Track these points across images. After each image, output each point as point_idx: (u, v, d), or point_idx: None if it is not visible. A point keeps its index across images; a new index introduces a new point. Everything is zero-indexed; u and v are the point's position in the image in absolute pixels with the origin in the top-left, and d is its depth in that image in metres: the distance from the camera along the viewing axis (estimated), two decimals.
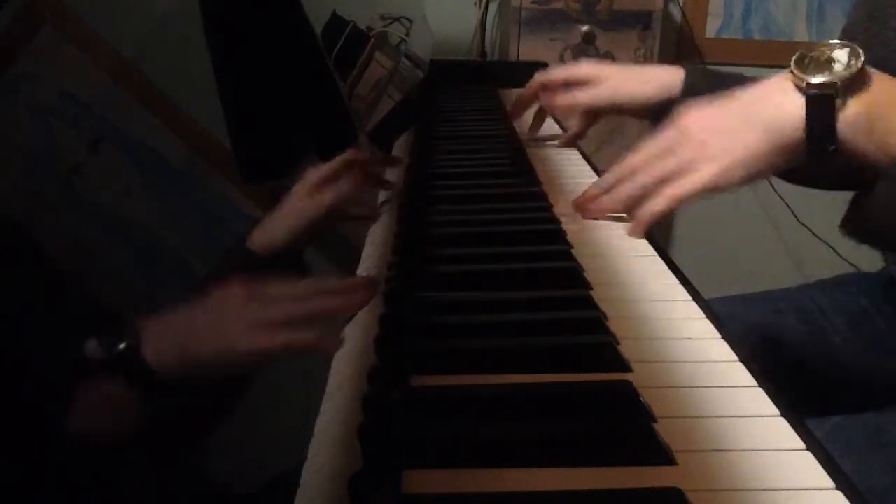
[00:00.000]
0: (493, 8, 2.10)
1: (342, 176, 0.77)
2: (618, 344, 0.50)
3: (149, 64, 0.98)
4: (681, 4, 2.16)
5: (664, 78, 0.85)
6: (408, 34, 1.11)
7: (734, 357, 0.49)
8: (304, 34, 0.85)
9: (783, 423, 0.42)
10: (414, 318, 0.53)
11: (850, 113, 0.54)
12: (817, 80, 0.55)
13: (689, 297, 0.58)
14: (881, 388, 0.81)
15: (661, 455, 0.39)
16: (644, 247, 0.68)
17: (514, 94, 1.03)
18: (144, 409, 0.53)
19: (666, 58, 2.07)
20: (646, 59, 1.87)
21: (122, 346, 0.53)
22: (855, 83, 0.54)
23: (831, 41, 0.58)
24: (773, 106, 0.58)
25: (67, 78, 0.94)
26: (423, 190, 0.82)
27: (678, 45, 2.20)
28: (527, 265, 0.63)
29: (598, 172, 0.89)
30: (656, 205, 0.65)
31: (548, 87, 0.95)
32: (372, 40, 1.03)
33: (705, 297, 0.58)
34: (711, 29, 2.19)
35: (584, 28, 1.85)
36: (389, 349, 0.50)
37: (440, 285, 0.59)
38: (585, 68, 0.91)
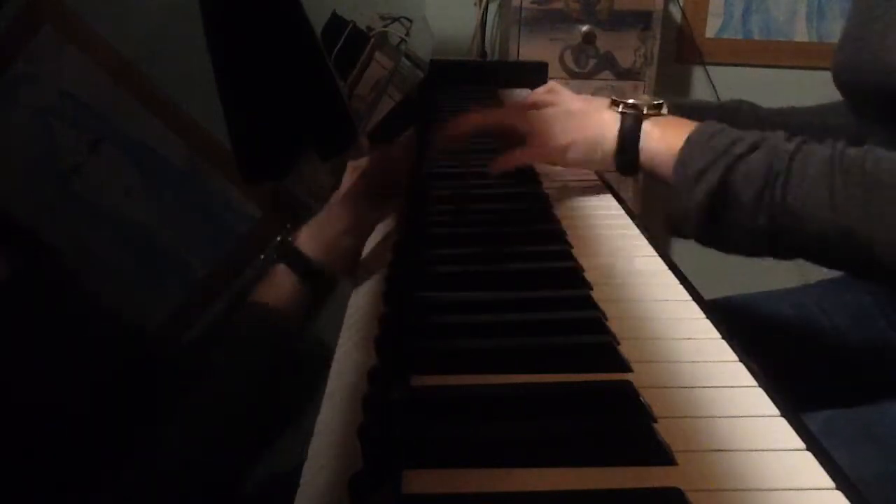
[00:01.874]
0: (493, 8, 2.10)
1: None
2: (618, 344, 0.50)
3: (149, 64, 0.98)
4: (681, 4, 2.16)
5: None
6: (408, 34, 1.11)
7: (734, 357, 0.49)
8: (304, 34, 0.85)
9: (783, 423, 0.42)
10: (414, 318, 0.53)
11: (647, 126, 0.71)
12: (631, 101, 0.74)
13: (689, 297, 0.58)
14: (877, 385, 0.81)
15: (661, 455, 0.39)
16: (644, 247, 0.68)
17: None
18: (307, 297, 0.66)
19: (666, 58, 2.08)
20: (646, 60, 1.87)
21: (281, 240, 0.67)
22: (654, 111, 0.73)
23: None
24: (602, 114, 0.76)
25: (67, 78, 0.94)
26: (423, 190, 0.82)
27: (678, 45, 2.20)
28: (527, 265, 0.63)
29: (599, 173, 0.89)
30: (513, 158, 0.79)
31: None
32: (372, 40, 1.03)
33: (705, 297, 0.58)
34: (711, 29, 2.19)
35: (584, 28, 1.85)
36: (389, 349, 0.50)
37: (440, 285, 0.59)
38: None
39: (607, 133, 0.74)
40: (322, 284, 0.68)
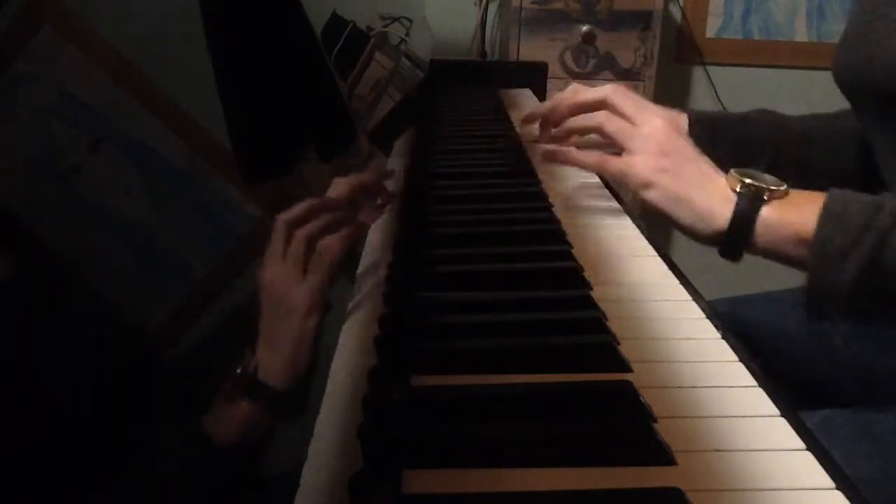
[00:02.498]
0: (493, 8, 2.10)
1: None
2: (618, 344, 0.50)
3: (149, 64, 0.98)
4: (681, 4, 2.16)
5: None
6: (408, 34, 1.11)
7: (734, 357, 0.49)
8: (304, 34, 0.85)
9: (783, 423, 0.42)
10: (414, 318, 0.53)
11: (768, 212, 0.63)
12: (749, 181, 0.64)
13: (689, 297, 0.58)
14: (878, 386, 0.81)
15: (661, 455, 0.39)
16: (644, 247, 0.68)
17: (532, 110, 0.92)
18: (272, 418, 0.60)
19: (666, 58, 2.07)
20: (646, 60, 1.87)
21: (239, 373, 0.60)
22: (777, 192, 0.64)
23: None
24: (714, 188, 0.66)
25: (67, 78, 0.94)
26: (423, 190, 0.82)
27: (678, 45, 2.20)
28: (527, 265, 0.63)
29: (599, 173, 0.89)
30: (587, 158, 0.74)
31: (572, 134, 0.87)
32: (372, 40, 1.03)
33: (705, 297, 0.58)
34: (711, 29, 2.19)
35: (584, 28, 1.85)
36: (389, 349, 0.50)
37: (440, 285, 0.59)
38: (615, 128, 0.78)
39: (717, 207, 0.64)
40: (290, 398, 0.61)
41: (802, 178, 0.84)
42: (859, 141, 0.84)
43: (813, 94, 2.07)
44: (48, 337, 0.63)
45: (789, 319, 0.90)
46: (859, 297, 0.60)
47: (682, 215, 0.66)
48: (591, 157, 0.74)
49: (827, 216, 0.60)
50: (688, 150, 0.70)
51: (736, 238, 0.63)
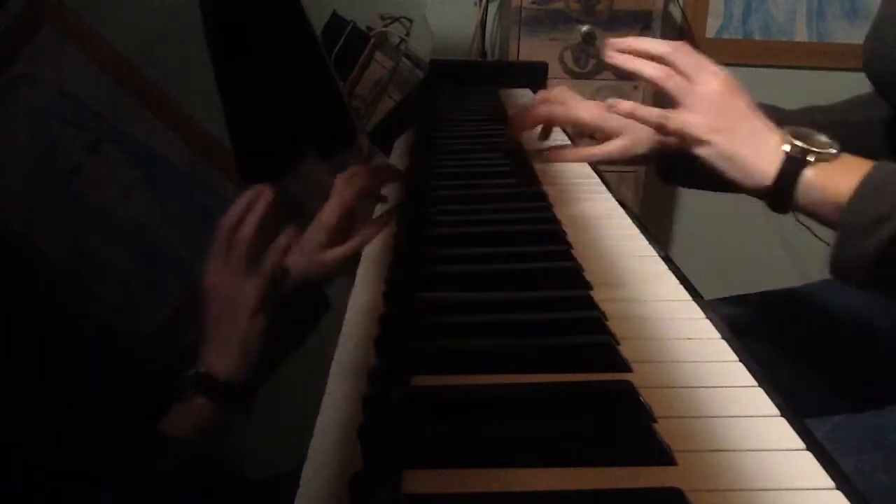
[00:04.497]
0: (493, 8, 2.10)
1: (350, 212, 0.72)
2: (618, 344, 0.50)
3: (149, 64, 0.98)
4: (681, 4, 2.16)
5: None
6: (408, 34, 1.10)
7: (734, 357, 0.49)
8: (304, 34, 0.85)
9: (783, 423, 0.42)
10: (414, 318, 0.53)
11: (811, 173, 0.64)
12: (798, 142, 0.66)
13: (689, 297, 0.58)
14: (882, 388, 0.81)
15: (661, 455, 0.39)
16: (644, 247, 0.68)
17: (515, 110, 0.98)
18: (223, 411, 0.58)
19: None
20: None
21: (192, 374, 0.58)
22: (825, 155, 0.65)
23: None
24: (767, 145, 0.68)
25: (67, 78, 0.94)
26: (423, 190, 0.82)
27: None
28: (527, 265, 0.63)
29: (599, 173, 0.89)
30: (650, 113, 0.74)
31: (551, 125, 0.94)
32: (372, 40, 1.03)
33: (705, 297, 0.58)
34: (711, 29, 2.19)
35: (584, 28, 1.85)
36: (389, 349, 0.50)
37: (440, 285, 0.59)
38: (593, 115, 0.87)
39: (765, 166, 0.66)
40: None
41: None
42: (867, 132, 0.83)
43: (813, 95, 2.07)
44: (46, 337, 0.63)
45: (790, 319, 0.90)
46: (882, 274, 0.61)
47: (733, 172, 0.68)
48: (654, 112, 0.74)
49: (864, 186, 0.61)
50: (742, 108, 0.70)
51: (779, 196, 0.65)
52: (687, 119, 0.71)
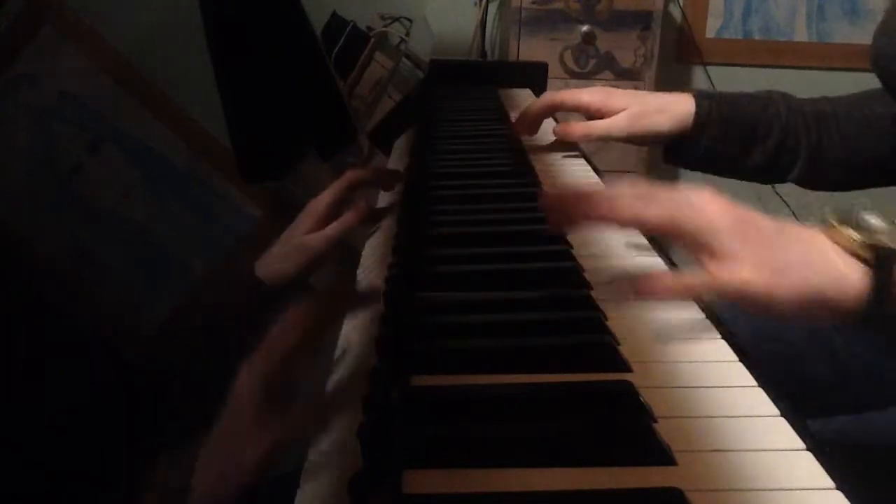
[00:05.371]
0: (493, 8, 2.11)
1: (346, 200, 0.73)
2: (618, 344, 0.50)
3: (149, 64, 0.98)
4: (681, 4, 2.16)
5: (677, 109, 0.85)
6: (408, 34, 1.11)
7: (734, 357, 0.49)
8: (304, 34, 0.85)
9: (783, 423, 0.42)
10: (414, 318, 0.53)
11: None
12: (875, 241, 0.51)
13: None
14: (884, 389, 0.81)
15: (661, 455, 0.39)
16: (644, 247, 0.68)
17: (522, 109, 0.98)
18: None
19: (666, 58, 2.08)
20: (646, 60, 1.87)
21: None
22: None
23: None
24: (833, 260, 0.52)
25: (67, 78, 0.94)
26: (423, 190, 0.82)
27: (678, 45, 2.20)
28: (527, 265, 0.63)
29: (599, 173, 0.89)
30: (696, 280, 0.54)
31: (556, 110, 0.95)
32: (372, 40, 1.03)
33: (705, 297, 0.58)
34: (711, 29, 2.19)
35: (584, 28, 1.86)
36: (389, 349, 0.50)
37: (440, 285, 0.59)
38: (597, 97, 0.88)
39: (844, 285, 0.51)
40: None
41: (812, 164, 0.85)
42: (873, 128, 0.84)
43: (813, 95, 2.07)
44: (46, 337, 0.63)
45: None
46: None
47: (807, 300, 0.52)
48: (694, 282, 0.54)
49: None
50: (768, 225, 0.54)
51: (881, 311, 0.51)
52: (737, 275, 0.52)
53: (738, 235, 0.52)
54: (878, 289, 0.50)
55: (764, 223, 0.54)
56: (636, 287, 0.53)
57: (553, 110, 0.96)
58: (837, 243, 0.52)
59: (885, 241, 0.51)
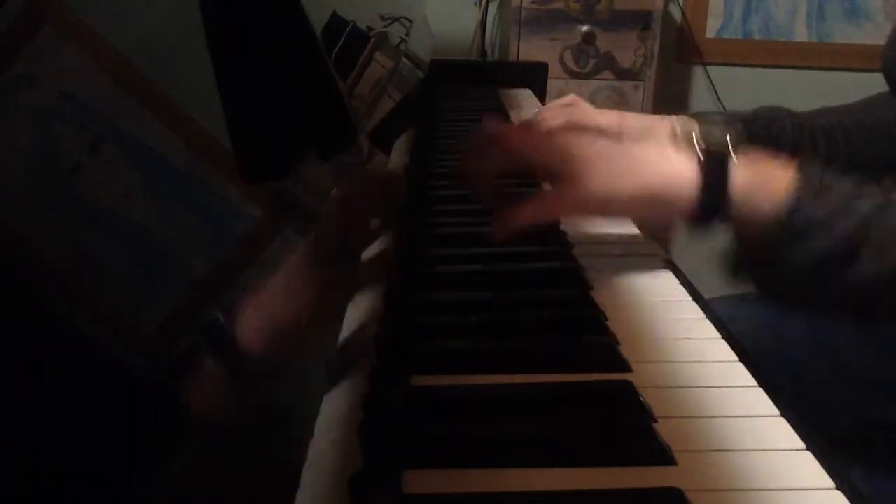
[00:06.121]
0: (493, 8, 2.10)
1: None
2: (618, 344, 0.50)
3: (149, 64, 0.98)
4: (681, 4, 2.16)
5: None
6: (408, 34, 1.10)
7: (734, 357, 0.49)
8: (304, 34, 0.85)
9: (783, 423, 0.42)
10: (414, 318, 0.53)
11: (739, 175, 0.55)
12: (709, 145, 0.57)
13: (689, 297, 0.58)
14: (884, 389, 0.81)
15: (661, 455, 0.39)
16: (644, 247, 0.68)
17: (539, 112, 0.92)
18: (234, 390, 0.53)
19: (666, 58, 2.08)
20: (646, 60, 1.87)
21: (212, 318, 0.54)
22: (740, 150, 0.57)
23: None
24: (668, 165, 0.58)
25: (67, 78, 0.94)
26: (423, 190, 0.82)
27: (678, 45, 2.20)
28: (527, 265, 0.63)
29: None
30: (529, 212, 0.60)
31: None
32: (372, 40, 1.03)
33: (705, 297, 0.58)
34: (711, 29, 2.19)
35: (584, 28, 1.86)
36: (389, 349, 0.50)
37: (440, 285, 0.59)
38: (612, 120, 0.82)
39: (681, 178, 0.56)
40: None
41: None
42: (881, 135, 0.83)
43: (813, 95, 2.07)
44: (45, 337, 0.63)
45: (790, 319, 0.90)
46: (802, 287, 0.55)
47: (644, 201, 0.58)
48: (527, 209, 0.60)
49: (801, 187, 0.54)
50: (612, 146, 0.60)
51: (709, 200, 0.56)
52: (574, 189, 0.57)
53: (583, 160, 0.58)
54: (708, 179, 0.55)
55: (608, 143, 0.60)
56: (494, 232, 0.59)
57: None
58: (679, 146, 0.58)
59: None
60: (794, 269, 0.55)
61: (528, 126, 0.67)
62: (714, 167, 0.56)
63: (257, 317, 0.55)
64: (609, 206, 0.59)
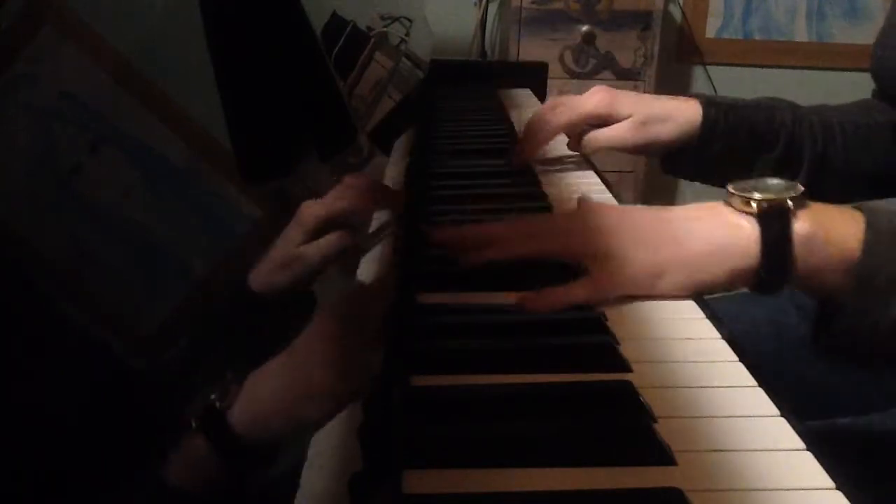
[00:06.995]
0: (493, 8, 2.11)
1: (342, 209, 0.69)
2: (618, 344, 0.50)
3: (149, 64, 0.98)
4: (681, 4, 2.16)
5: (683, 117, 0.81)
6: (408, 34, 1.10)
7: (734, 357, 0.49)
8: (304, 34, 0.85)
9: (783, 423, 0.42)
10: (414, 318, 0.53)
11: (802, 226, 0.50)
12: (765, 196, 0.51)
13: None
14: (884, 389, 0.81)
15: (661, 455, 0.39)
16: None
17: (526, 125, 0.90)
18: (228, 475, 0.48)
19: (666, 58, 2.08)
20: (646, 60, 1.87)
21: (211, 403, 0.48)
22: (800, 200, 0.52)
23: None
24: (721, 222, 0.53)
25: (67, 78, 0.94)
26: (423, 190, 0.82)
27: (678, 45, 2.20)
28: (526, 265, 0.63)
29: (599, 173, 0.89)
30: (581, 290, 0.55)
31: (564, 131, 0.88)
32: (372, 40, 1.03)
33: (705, 296, 0.58)
34: (711, 29, 2.20)
35: (584, 28, 1.86)
36: (389, 349, 0.50)
37: (440, 285, 0.59)
38: (602, 104, 0.83)
39: (738, 242, 0.51)
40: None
41: (814, 175, 0.84)
42: (878, 136, 0.83)
43: (813, 95, 2.07)
44: (45, 338, 0.63)
45: (791, 319, 0.90)
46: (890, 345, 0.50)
47: (696, 274, 0.53)
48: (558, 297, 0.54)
49: (873, 239, 0.48)
50: (647, 209, 0.56)
51: (775, 267, 0.51)
52: (618, 276, 0.53)
53: (612, 238, 0.53)
54: (769, 234, 0.50)
55: (643, 211, 0.55)
56: (526, 303, 0.54)
57: (560, 133, 0.91)
58: (735, 207, 0.52)
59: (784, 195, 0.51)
60: (871, 326, 0.50)
61: (539, 221, 0.62)
62: (773, 221, 0.50)
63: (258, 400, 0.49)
64: (654, 285, 0.54)
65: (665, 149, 0.84)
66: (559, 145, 0.94)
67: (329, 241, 0.69)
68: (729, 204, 0.53)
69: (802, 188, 0.52)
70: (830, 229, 0.50)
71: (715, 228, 0.52)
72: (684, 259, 0.53)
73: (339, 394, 0.46)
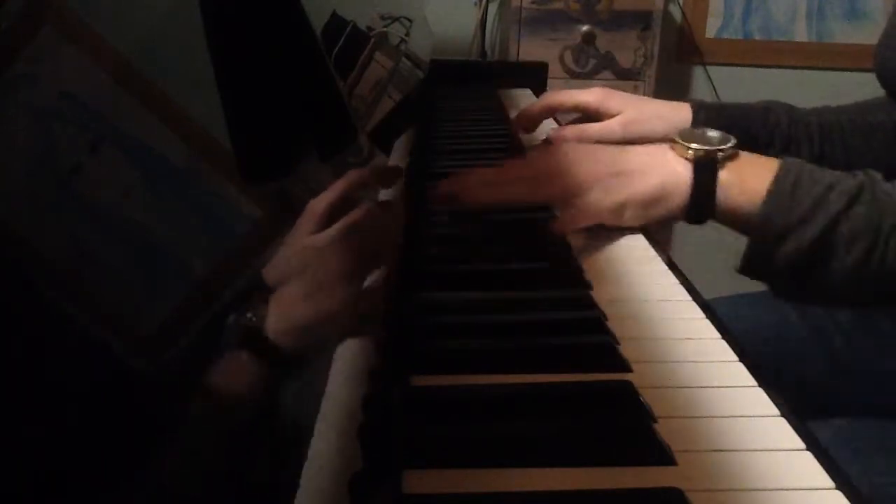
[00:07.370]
0: (493, 8, 2.10)
1: (348, 201, 0.69)
2: (618, 344, 0.50)
3: (149, 64, 0.98)
4: (681, 4, 2.16)
5: (674, 117, 0.85)
6: (408, 34, 1.10)
7: (734, 357, 0.49)
8: (304, 34, 0.85)
9: (783, 423, 0.42)
10: (414, 318, 0.53)
11: (725, 175, 0.62)
12: (701, 147, 0.64)
13: (689, 297, 0.58)
14: (885, 390, 0.81)
15: (661, 455, 0.39)
16: (644, 246, 0.68)
17: (521, 108, 0.98)
18: (267, 382, 0.52)
19: (666, 58, 2.07)
20: (646, 60, 1.87)
21: (247, 319, 0.53)
22: (729, 152, 0.63)
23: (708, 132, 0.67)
24: (666, 163, 0.65)
25: (67, 78, 0.94)
26: (423, 190, 0.82)
27: (678, 45, 2.20)
28: (527, 265, 0.63)
29: None
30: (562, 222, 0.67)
31: (556, 111, 0.95)
32: (372, 40, 1.03)
33: (705, 297, 0.58)
34: (711, 29, 2.19)
35: (584, 28, 1.85)
36: (389, 349, 0.50)
37: (440, 285, 0.59)
38: (596, 98, 0.88)
39: (677, 184, 0.64)
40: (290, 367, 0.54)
41: None
42: (877, 139, 0.83)
43: (813, 95, 2.07)
44: (45, 338, 0.63)
45: (790, 319, 0.90)
46: (797, 282, 0.59)
47: (647, 208, 0.65)
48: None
49: (779, 187, 0.59)
50: (607, 150, 0.68)
51: (700, 205, 0.63)
52: (583, 205, 0.66)
53: (582, 173, 0.65)
54: (699, 179, 0.62)
55: (603, 152, 0.68)
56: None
57: (553, 111, 0.96)
58: (677, 153, 0.65)
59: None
60: (781, 267, 0.59)
61: (513, 166, 0.73)
62: (703, 169, 0.63)
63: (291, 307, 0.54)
64: (619, 217, 0.66)
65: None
66: None
67: (344, 221, 0.69)
68: (673, 149, 0.65)
69: (734, 141, 0.64)
70: (747, 179, 0.61)
71: (661, 174, 0.65)
72: (639, 199, 0.65)
73: (356, 303, 0.53)
